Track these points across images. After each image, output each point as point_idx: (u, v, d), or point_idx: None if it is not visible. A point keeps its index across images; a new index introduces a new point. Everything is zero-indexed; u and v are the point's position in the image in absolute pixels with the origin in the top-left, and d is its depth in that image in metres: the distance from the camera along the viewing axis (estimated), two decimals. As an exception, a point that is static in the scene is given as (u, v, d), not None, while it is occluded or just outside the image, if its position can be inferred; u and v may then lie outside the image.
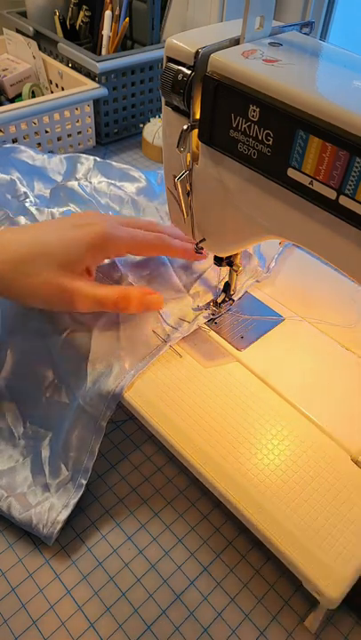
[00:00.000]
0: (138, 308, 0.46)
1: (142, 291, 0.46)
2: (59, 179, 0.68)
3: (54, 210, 0.60)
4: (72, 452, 0.44)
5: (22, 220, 0.58)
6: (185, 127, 0.35)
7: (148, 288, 0.46)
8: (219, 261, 0.49)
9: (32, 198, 0.63)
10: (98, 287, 0.45)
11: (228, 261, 0.49)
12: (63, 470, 0.44)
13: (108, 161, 0.72)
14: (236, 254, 0.48)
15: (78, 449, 0.44)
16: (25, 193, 0.62)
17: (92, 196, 0.65)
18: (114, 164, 0.71)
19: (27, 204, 0.60)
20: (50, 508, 0.43)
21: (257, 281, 0.56)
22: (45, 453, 0.46)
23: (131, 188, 0.68)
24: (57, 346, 0.48)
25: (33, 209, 0.59)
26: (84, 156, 0.71)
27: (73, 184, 0.65)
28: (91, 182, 0.67)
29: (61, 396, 0.47)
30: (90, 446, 0.44)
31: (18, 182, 0.63)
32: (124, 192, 0.67)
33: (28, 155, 0.69)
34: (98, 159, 0.71)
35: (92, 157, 0.71)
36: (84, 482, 0.43)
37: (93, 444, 0.44)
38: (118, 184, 0.68)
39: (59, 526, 0.42)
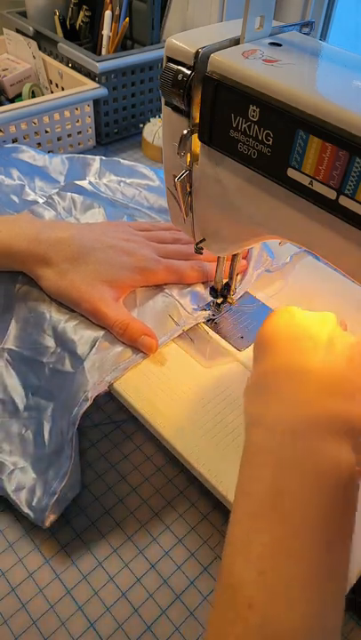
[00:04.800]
0: (130, 341, 0.48)
1: (141, 329, 0.48)
2: (60, 179, 0.68)
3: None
4: (65, 418, 0.44)
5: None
6: (185, 132, 0.35)
7: (149, 329, 0.48)
8: (214, 293, 0.51)
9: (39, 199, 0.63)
10: (110, 304, 0.49)
11: (223, 294, 0.51)
12: (57, 438, 0.44)
13: (115, 159, 0.72)
14: (236, 255, 0.48)
15: (68, 417, 0.44)
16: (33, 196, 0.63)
17: (98, 190, 0.65)
18: (121, 161, 0.72)
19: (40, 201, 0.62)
20: (46, 480, 0.43)
21: (267, 270, 0.56)
22: (47, 424, 0.46)
23: (141, 183, 0.69)
24: (64, 319, 0.50)
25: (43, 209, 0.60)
26: (90, 156, 0.71)
27: (83, 182, 0.65)
28: (101, 181, 0.67)
29: (65, 364, 0.47)
30: (72, 417, 0.43)
31: (27, 187, 0.64)
32: (135, 188, 0.67)
33: (30, 155, 0.69)
34: (104, 158, 0.71)
35: (97, 157, 0.71)
36: (70, 452, 0.43)
37: (77, 412, 0.43)
38: (128, 181, 0.69)
39: (54, 497, 0.42)
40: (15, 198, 0.62)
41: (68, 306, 0.50)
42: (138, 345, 0.47)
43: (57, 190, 0.64)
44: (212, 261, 0.53)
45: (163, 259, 0.53)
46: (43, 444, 0.45)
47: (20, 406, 0.48)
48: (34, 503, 0.42)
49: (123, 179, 0.69)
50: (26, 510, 0.42)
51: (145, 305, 0.52)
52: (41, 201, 0.62)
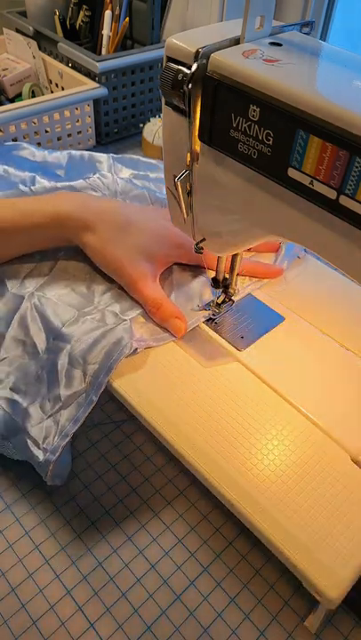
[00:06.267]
0: (160, 321, 0.49)
1: (174, 311, 0.49)
2: (62, 174, 0.68)
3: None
4: (93, 363, 0.45)
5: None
6: (187, 156, 0.37)
7: (181, 313, 0.50)
8: (216, 285, 0.51)
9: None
10: (148, 283, 0.50)
11: (225, 285, 0.51)
12: (78, 381, 0.44)
13: (125, 156, 0.72)
14: (236, 255, 0.48)
15: (101, 362, 0.44)
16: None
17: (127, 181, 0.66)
18: (133, 156, 0.72)
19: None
20: (58, 421, 0.43)
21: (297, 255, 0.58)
22: (63, 364, 0.46)
23: (160, 175, 0.69)
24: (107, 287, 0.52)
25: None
26: (97, 154, 0.71)
27: (94, 179, 0.65)
28: (120, 177, 0.67)
29: (106, 319, 0.49)
30: (111, 362, 0.44)
31: (38, 177, 0.63)
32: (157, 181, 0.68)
33: (30, 152, 0.69)
34: (114, 155, 0.71)
35: (105, 155, 0.71)
36: (95, 398, 0.43)
37: (113, 362, 0.44)
38: (152, 175, 0.69)
39: (66, 440, 0.42)
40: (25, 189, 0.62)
41: (108, 274, 0.52)
42: (167, 325, 0.49)
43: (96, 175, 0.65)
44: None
45: None
46: (57, 385, 0.45)
47: (41, 349, 0.48)
48: (44, 444, 0.43)
49: (144, 172, 0.69)
50: (34, 450, 0.42)
51: (180, 287, 0.53)
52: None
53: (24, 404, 0.45)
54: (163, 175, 0.68)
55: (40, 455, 0.42)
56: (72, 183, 0.63)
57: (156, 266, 0.52)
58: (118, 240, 0.51)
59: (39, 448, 0.42)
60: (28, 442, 0.43)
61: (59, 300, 0.51)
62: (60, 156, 0.70)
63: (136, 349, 0.46)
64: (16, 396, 0.46)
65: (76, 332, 0.47)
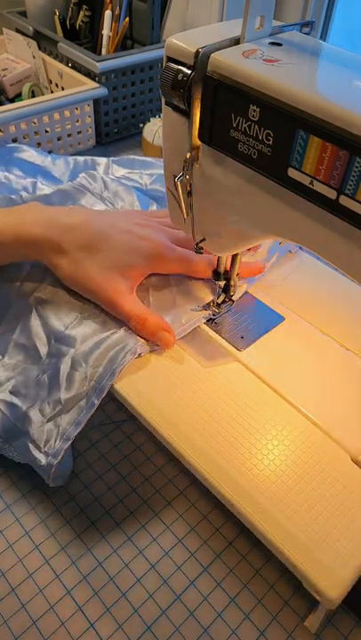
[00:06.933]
0: (148, 336, 0.47)
1: (160, 324, 0.47)
2: (64, 179, 0.68)
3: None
4: (97, 366, 0.44)
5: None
6: (187, 156, 0.37)
7: (167, 324, 0.48)
8: (216, 277, 0.51)
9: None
10: (126, 298, 0.48)
11: (225, 277, 0.50)
12: (79, 384, 0.44)
13: (125, 157, 0.72)
14: (236, 254, 0.48)
15: (105, 366, 0.44)
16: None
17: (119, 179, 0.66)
18: (133, 157, 0.72)
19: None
20: (59, 424, 0.43)
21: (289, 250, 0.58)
22: (65, 368, 0.45)
23: (154, 171, 0.69)
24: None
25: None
26: (98, 158, 0.72)
27: (79, 179, 0.65)
28: (114, 176, 0.68)
29: (106, 324, 0.48)
30: (115, 367, 0.44)
31: (39, 184, 0.64)
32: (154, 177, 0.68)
33: (31, 154, 0.69)
34: (113, 158, 0.72)
35: (105, 158, 0.72)
36: (97, 402, 0.43)
37: (117, 366, 0.44)
38: (146, 172, 0.69)
39: (67, 444, 0.42)
40: (26, 195, 0.62)
41: (84, 295, 0.50)
42: (155, 339, 0.47)
43: (83, 175, 0.65)
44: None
45: (178, 247, 0.52)
46: (58, 389, 0.45)
47: (43, 353, 0.48)
48: (46, 447, 0.42)
49: (140, 171, 0.69)
50: (36, 454, 0.42)
51: (180, 287, 0.52)
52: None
53: (23, 407, 0.45)
54: (156, 172, 0.69)
55: (42, 459, 0.42)
56: (60, 186, 0.62)
57: (132, 280, 0.50)
58: (89, 258, 0.48)
59: (41, 452, 0.42)
60: (30, 445, 0.43)
61: (60, 302, 0.51)
62: (63, 162, 0.70)
63: (140, 354, 0.46)
64: (15, 400, 0.46)
65: (79, 336, 0.47)
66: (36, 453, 0.42)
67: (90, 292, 0.49)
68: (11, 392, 0.46)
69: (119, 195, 0.63)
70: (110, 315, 0.49)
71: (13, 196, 0.59)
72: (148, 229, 0.52)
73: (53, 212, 0.52)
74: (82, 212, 0.53)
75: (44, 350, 0.48)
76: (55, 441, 0.42)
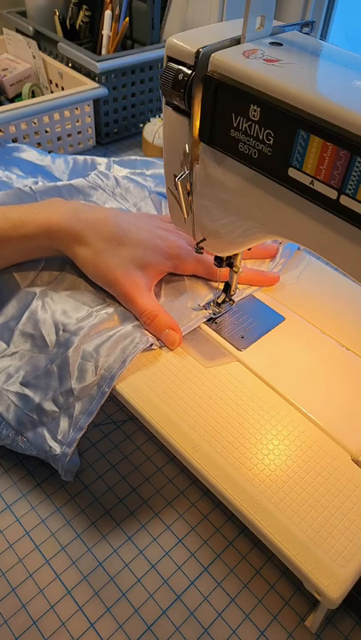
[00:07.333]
0: (155, 332, 0.48)
1: (169, 323, 0.48)
2: (64, 178, 0.68)
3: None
4: (107, 355, 0.45)
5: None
6: (188, 156, 0.37)
7: (176, 324, 0.49)
8: (219, 262, 0.49)
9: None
10: (142, 293, 0.49)
11: (229, 262, 0.49)
12: (90, 374, 0.44)
13: (125, 158, 0.72)
14: (236, 254, 0.48)
15: (116, 355, 0.45)
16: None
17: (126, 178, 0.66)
18: (132, 157, 0.72)
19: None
20: (71, 414, 0.43)
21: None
22: (75, 358, 0.46)
23: (156, 171, 0.70)
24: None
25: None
26: (98, 158, 0.72)
27: (92, 176, 0.66)
28: (116, 176, 0.68)
29: (113, 319, 0.48)
30: (126, 356, 0.44)
31: (40, 183, 0.64)
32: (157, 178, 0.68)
33: (31, 154, 0.69)
34: (114, 159, 0.72)
35: (105, 158, 0.72)
36: (108, 390, 0.43)
37: (129, 355, 0.44)
38: (148, 172, 0.69)
39: (81, 433, 0.42)
40: (36, 186, 0.62)
41: (102, 286, 0.51)
42: (162, 337, 0.48)
43: (95, 172, 0.65)
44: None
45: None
46: (69, 378, 0.45)
47: (50, 342, 0.48)
48: (60, 437, 0.43)
49: (141, 170, 0.70)
50: (51, 444, 0.43)
51: (180, 287, 0.53)
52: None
53: (36, 398, 0.45)
54: (158, 171, 0.70)
55: (57, 448, 0.43)
56: (72, 182, 0.63)
57: (151, 276, 0.51)
58: (111, 251, 0.50)
59: (55, 441, 0.43)
60: (47, 435, 0.43)
61: (70, 297, 0.51)
62: (63, 162, 0.70)
63: (152, 344, 0.47)
64: (27, 391, 0.46)
65: (89, 327, 0.47)
66: (51, 443, 0.43)
67: (108, 283, 0.50)
68: (21, 383, 0.46)
69: (130, 191, 0.64)
70: (121, 310, 0.50)
71: (23, 187, 0.60)
72: (165, 231, 0.54)
73: (78, 205, 0.54)
74: (105, 209, 0.55)
75: (51, 339, 0.48)
76: (68, 430, 0.43)
